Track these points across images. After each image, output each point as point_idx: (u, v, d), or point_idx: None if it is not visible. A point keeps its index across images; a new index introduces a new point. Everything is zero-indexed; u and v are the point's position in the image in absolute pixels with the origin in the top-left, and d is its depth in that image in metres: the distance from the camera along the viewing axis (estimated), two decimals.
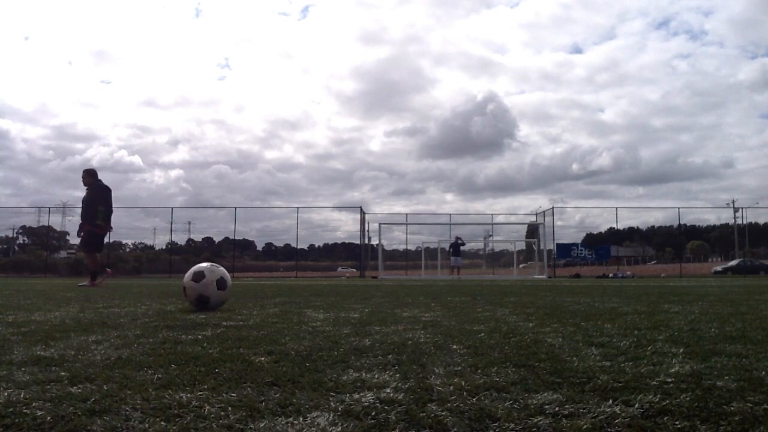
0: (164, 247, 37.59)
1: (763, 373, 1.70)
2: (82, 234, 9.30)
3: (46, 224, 34.66)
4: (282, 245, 43.92)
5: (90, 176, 9.43)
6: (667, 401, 1.36)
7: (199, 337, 2.55)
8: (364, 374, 1.69)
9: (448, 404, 1.34)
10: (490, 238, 34.70)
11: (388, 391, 1.48)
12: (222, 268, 4.19)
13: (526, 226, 35.28)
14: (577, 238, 39.91)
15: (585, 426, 1.18)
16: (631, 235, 66.68)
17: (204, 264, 4.23)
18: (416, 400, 1.38)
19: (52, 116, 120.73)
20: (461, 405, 1.33)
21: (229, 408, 1.31)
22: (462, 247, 25.39)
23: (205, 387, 1.52)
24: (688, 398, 1.38)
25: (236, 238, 33.83)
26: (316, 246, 51.88)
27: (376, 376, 1.67)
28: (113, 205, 9.53)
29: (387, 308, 4.32)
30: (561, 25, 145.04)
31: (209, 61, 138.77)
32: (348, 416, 1.25)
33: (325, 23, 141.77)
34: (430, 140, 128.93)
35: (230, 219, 29.24)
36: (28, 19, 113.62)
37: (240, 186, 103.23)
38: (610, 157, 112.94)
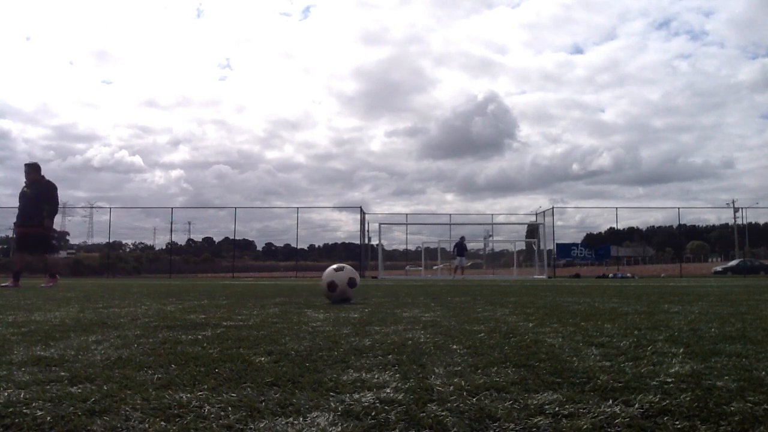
0: (164, 247, 37.65)
1: (763, 373, 1.70)
2: (24, 236, 8.75)
3: None
4: (282, 245, 44.01)
5: (35, 171, 8.85)
6: (667, 401, 1.36)
7: (199, 337, 2.55)
8: (364, 374, 1.69)
9: (448, 404, 1.34)
10: (490, 238, 34.75)
11: (388, 391, 1.48)
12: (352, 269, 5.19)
13: (526, 226, 35.33)
14: (577, 238, 40.03)
15: (585, 426, 1.18)
16: (631, 235, 66.65)
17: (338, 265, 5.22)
18: (416, 400, 1.38)
19: (53, 116, 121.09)
20: (461, 405, 1.33)
21: (229, 408, 1.31)
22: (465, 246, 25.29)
23: (205, 387, 1.52)
24: (688, 398, 1.38)
25: (236, 238, 33.85)
26: (316, 246, 51.92)
27: (376, 376, 1.67)
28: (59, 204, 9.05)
29: (387, 308, 4.32)
30: (562, 26, 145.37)
31: (210, 62, 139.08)
32: (348, 416, 1.25)
33: (326, 23, 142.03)
34: (431, 140, 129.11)
35: (230, 219, 29.31)
36: (30, 19, 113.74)
37: (240, 186, 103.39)
38: (611, 157, 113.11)
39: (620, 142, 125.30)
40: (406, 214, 46.75)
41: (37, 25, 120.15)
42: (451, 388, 1.50)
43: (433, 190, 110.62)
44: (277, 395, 1.43)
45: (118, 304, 4.78)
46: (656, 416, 1.25)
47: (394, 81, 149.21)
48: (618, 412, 1.28)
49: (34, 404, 1.33)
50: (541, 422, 1.20)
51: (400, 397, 1.40)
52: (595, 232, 43.74)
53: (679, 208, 29.63)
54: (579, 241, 30.92)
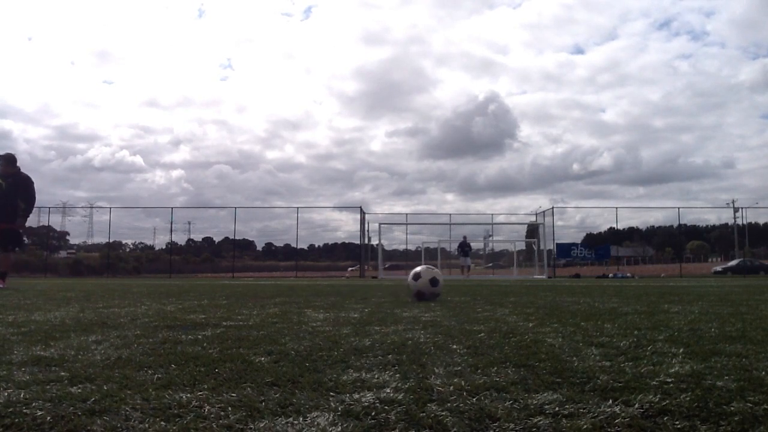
0: (164, 247, 37.67)
1: (763, 373, 1.70)
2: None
3: (46, 224, 34.67)
4: (282, 245, 43.98)
5: (11, 164, 8.27)
6: (667, 401, 1.36)
7: (199, 337, 2.56)
8: (364, 374, 1.69)
9: (448, 404, 1.34)
10: (490, 238, 34.75)
11: (388, 391, 1.48)
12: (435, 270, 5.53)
13: (526, 226, 35.34)
14: (577, 238, 40.00)
15: (585, 426, 1.18)
16: (631, 235, 66.69)
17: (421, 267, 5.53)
18: (416, 400, 1.38)
19: (54, 116, 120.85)
20: (461, 405, 1.33)
21: (229, 408, 1.31)
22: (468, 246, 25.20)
23: (205, 387, 1.52)
24: (688, 398, 1.38)
25: (236, 238, 33.84)
26: (316, 246, 52.01)
27: (376, 376, 1.67)
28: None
29: (387, 308, 4.32)
30: (563, 26, 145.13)
31: (211, 62, 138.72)
32: (348, 416, 1.25)
33: (328, 24, 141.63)
34: (431, 140, 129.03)
35: (230, 219, 29.29)
36: (31, 19, 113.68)
37: (241, 186, 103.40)
38: (611, 158, 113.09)
39: (621, 142, 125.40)
40: (406, 214, 46.81)
41: (38, 25, 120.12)
42: (451, 388, 1.50)
43: (433, 190, 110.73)
44: (277, 395, 1.43)
45: (118, 304, 4.78)
46: (656, 416, 1.25)
47: (395, 81, 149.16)
48: (618, 412, 1.28)
49: (34, 404, 1.33)
50: (541, 422, 1.21)
51: (400, 397, 1.40)
52: (595, 232, 43.76)
53: (679, 208, 29.63)
54: (579, 241, 30.92)
